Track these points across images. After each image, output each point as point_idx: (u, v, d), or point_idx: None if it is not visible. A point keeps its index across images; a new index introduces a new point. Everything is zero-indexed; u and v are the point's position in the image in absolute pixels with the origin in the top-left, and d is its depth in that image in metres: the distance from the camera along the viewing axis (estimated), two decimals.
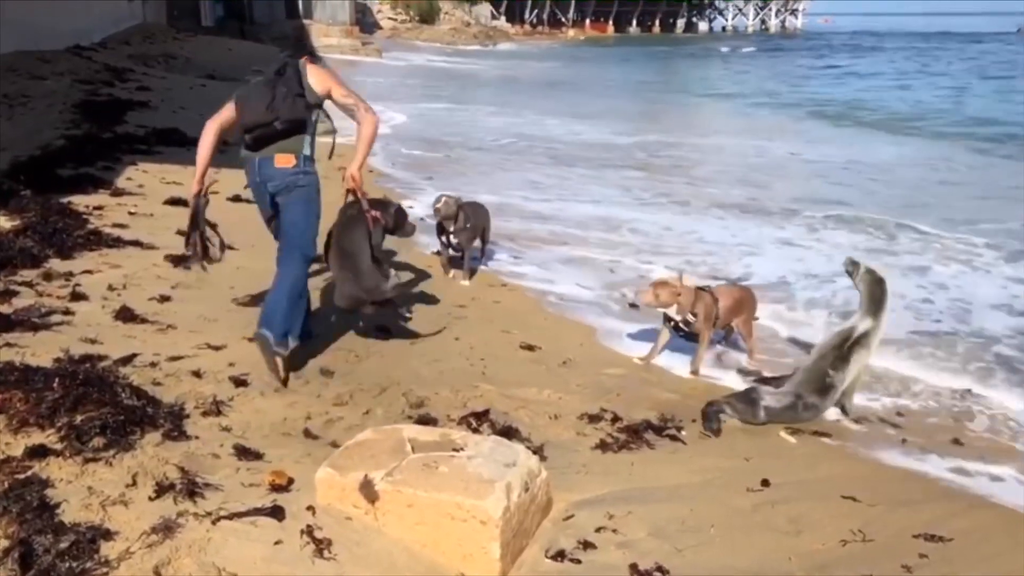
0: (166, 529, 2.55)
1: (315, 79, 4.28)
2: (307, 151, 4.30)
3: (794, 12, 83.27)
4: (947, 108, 20.60)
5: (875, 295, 4.48)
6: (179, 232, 6.27)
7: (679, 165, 13.15)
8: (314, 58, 4.61)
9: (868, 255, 7.66)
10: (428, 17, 53.99)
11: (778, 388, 4.36)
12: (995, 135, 15.76)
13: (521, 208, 9.43)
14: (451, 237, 6.24)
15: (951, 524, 3.20)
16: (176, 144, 9.58)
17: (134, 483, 2.81)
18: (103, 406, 3.18)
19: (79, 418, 3.08)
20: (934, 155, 14.16)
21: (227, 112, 4.32)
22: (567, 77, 31.59)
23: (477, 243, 6.57)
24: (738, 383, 4.86)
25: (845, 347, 4.35)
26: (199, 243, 4.53)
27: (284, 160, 4.23)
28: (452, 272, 6.43)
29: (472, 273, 6.38)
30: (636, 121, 19.19)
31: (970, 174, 12.55)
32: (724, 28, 79.96)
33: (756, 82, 30.33)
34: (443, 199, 6.18)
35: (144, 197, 7.16)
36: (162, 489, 2.77)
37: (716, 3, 79.63)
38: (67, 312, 4.42)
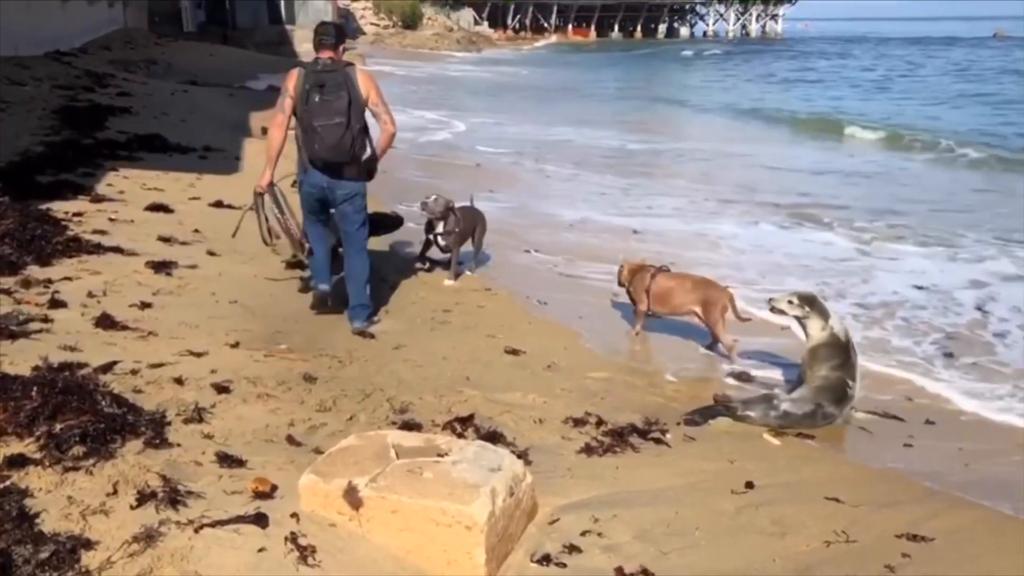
0: (148, 538, 2.52)
1: (362, 85, 4.83)
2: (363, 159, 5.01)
3: (774, 17, 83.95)
4: (941, 117, 20.58)
5: (822, 308, 4.54)
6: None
7: (710, 173, 13.09)
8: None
9: (958, 265, 7.72)
10: (411, 22, 53.94)
11: (797, 395, 4.37)
12: (994, 144, 15.67)
13: (605, 223, 9.14)
14: (438, 238, 6.26)
15: (933, 524, 3.23)
16: (158, 150, 9.51)
17: (115, 492, 2.77)
18: (83, 414, 3.14)
19: (58, 427, 3.05)
20: (937, 163, 14.27)
21: (287, 112, 4.89)
22: (560, 83, 31.70)
23: (468, 247, 6.63)
24: (722, 386, 4.88)
25: (852, 355, 4.41)
26: (296, 227, 5.12)
27: (352, 171, 4.95)
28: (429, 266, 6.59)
29: (457, 275, 6.40)
30: (641, 127, 19.29)
31: (986, 184, 12.43)
32: (705, 33, 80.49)
33: (743, 87, 30.47)
34: (433, 197, 6.23)
35: (125, 203, 7.08)
36: (143, 497, 2.74)
37: (697, 9, 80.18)
38: (46, 319, 4.37)
